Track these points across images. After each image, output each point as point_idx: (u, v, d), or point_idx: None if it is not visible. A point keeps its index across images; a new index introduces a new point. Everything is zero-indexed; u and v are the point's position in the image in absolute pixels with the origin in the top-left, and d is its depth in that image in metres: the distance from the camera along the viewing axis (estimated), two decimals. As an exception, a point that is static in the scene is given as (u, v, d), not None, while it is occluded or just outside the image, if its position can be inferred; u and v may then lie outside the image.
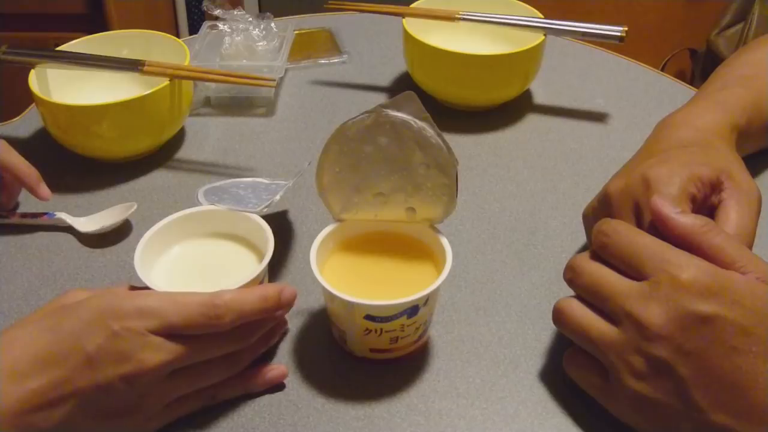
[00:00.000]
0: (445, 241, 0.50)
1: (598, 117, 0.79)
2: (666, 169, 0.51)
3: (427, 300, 0.47)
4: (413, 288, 0.46)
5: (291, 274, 0.59)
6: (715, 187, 0.50)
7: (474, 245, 0.62)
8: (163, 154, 0.72)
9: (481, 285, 0.58)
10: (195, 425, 0.47)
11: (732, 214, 0.49)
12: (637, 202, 0.50)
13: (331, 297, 0.47)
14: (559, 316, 0.47)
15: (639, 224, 0.49)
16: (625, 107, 0.80)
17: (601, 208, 0.53)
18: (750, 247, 0.48)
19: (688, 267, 0.42)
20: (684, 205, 0.49)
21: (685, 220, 0.45)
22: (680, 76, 1.63)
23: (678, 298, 0.41)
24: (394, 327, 0.47)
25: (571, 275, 0.47)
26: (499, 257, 0.61)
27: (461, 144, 0.74)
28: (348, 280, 0.50)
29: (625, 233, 0.45)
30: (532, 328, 0.54)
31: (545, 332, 0.54)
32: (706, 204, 0.51)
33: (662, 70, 1.14)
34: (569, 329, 0.46)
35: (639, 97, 0.82)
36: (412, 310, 0.47)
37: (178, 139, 0.74)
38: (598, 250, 0.46)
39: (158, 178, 0.69)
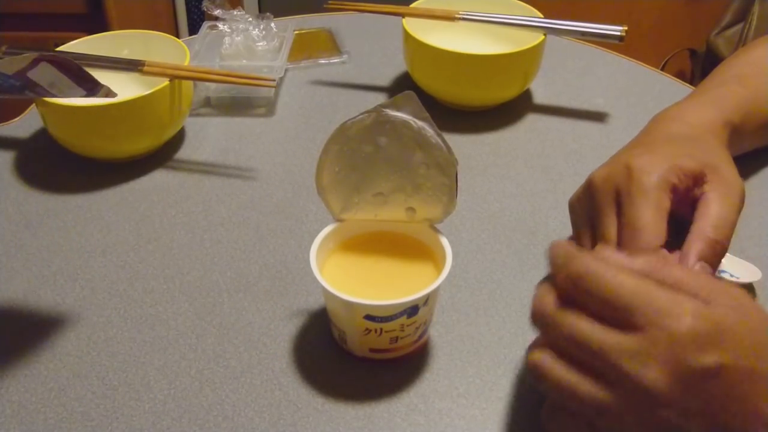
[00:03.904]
0: (445, 241, 0.50)
1: (598, 117, 0.79)
2: (648, 158, 0.51)
3: (427, 300, 0.47)
4: (413, 288, 0.46)
5: (291, 274, 0.59)
6: (698, 179, 0.51)
7: (474, 245, 0.62)
8: (163, 154, 0.72)
9: (481, 285, 0.58)
10: (194, 424, 0.47)
11: (712, 206, 0.49)
12: (619, 191, 0.50)
13: (331, 297, 0.47)
14: (535, 373, 0.41)
15: (619, 212, 0.50)
16: (625, 107, 0.80)
17: (586, 197, 0.54)
18: (729, 240, 0.49)
19: (684, 316, 0.37)
20: (664, 194, 0.49)
21: (640, 262, 0.41)
22: (680, 76, 1.63)
23: (680, 355, 0.37)
24: (394, 327, 0.47)
25: (543, 327, 0.41)
26: (499, 257, 0.61)
27: (461, 144, 0.74)
28: (348, 280, 0.49)
29: (602, 275, 0.39)
30: (532, 328, 0.54)
31: (545, 332, 0.54)
32: (688, 196, 0.51)
33: (662, 70, 1.14)
34: (550, 389, 0.40)
35: (639, 97, 0.82)
36: (412, 310, 0.47)
37: (178, 139, 0.74)
38: (575, 295, 0.40)
39: (158, 178, 0.69)
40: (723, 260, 0.57)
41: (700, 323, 0.37)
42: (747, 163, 0.69)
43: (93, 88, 0.49)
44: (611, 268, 0.39)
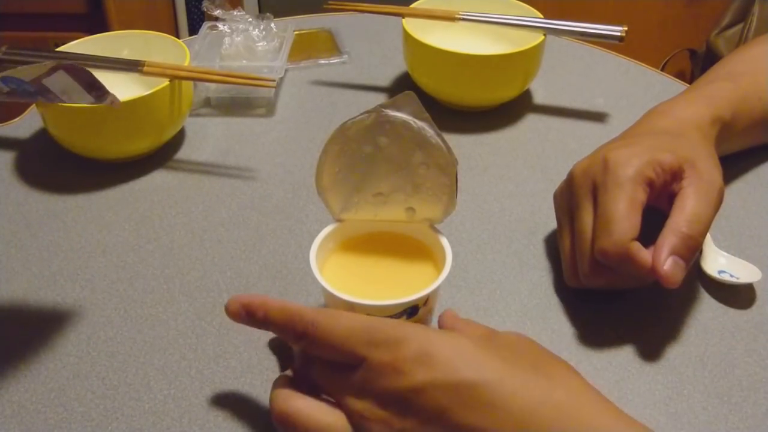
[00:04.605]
0: (445, 241, 0.50)
1: (598, 117, 0.79)
2: (626, 151, 0.52)
3: (427, 300, 0.47)
4: (413, 288, 0.46)
5: (291, 274, 0.59)
6: (677, 174, 0.51)
7: (474, 245, 0.62)
8: (163, 154, 0.72)
9: (481, 285, 0.58)
10: (194, 424, 0.47)
11: (688, 201, 0.50)
12: (595, 183, 0.51)
13: (331, 297, 0.47)
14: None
15: (595, 204, 0.51)
16: (625, 107, 0.80)
17: (567, 189, 0.55)
18: (703, 236, 0.49)
19: (391, 346, 0.40)
20: (639, 187, 0.50)
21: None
22: (680, 76, 1.63)
23: (390, 380, 0.39)
24: None
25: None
26: (499, 257, 0.61)
27: (461, 144, 0.74)
28: (348, 280, 0.49)
29: (324, 324, 0.41)
30: (532, 328, 0.54)
31: (545, 332, 0.54)
32: (667, 191, 0.52)
33: (662, 70, 1.14)
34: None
35: (639, 97, 0.82)
36: (412, 310, 0.47)
37: (178, 140, 0.74)
38: (310, 350, 0.43)
39: (158, 178, 0.69)
40: (723, 260, 0.58)
41: (410, 347, 0.39)
42: (746, 163, 0.70)
43: (101, 95, 0.50)
44: (329, 316, 0.41)
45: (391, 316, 0.46)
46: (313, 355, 0.43)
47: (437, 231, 0.51)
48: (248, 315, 0.44)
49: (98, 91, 0.50)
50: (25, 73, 0.46)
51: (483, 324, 0.48)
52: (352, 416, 0.40)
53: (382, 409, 0.39)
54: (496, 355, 0.40)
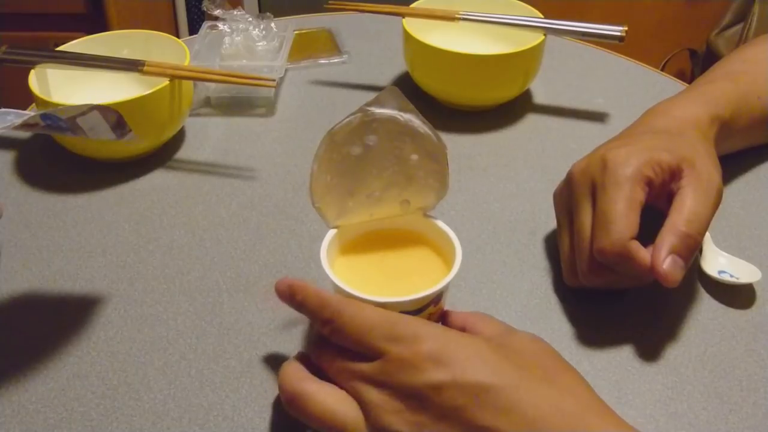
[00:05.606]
0: (441, 224, 0.49)
1: (598, 117, 0.79)
2: (625, 150, 0.52)
3: (447, 284, 0.46)
4: (426, 276, 0.46)
5: (291, 274, 0.59)
6: (675, 174, 0.51)
7: (474, 245, 0.62)
8: (163, 154, 0.72)
9: (481, 285, 0.58)
10: (194, 424, 0.47)
11: (687, 201, 0.50)
12: (594, 182, 0.52)
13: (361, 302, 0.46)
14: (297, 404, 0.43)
15: (594, 204, 0.51)
16: (625, 107, 0.80)
17: (566, 189, 0.55)
18: (702, 235, 0.49)
19: (412, 342, 0.41)
20: (638, 186, 0.50)
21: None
22: (680, 76, 1.63)
23: (408, 374, 0.40)
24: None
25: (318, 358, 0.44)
26: (499, 257, 0.61)
27: (461, 144, 0.74)
28: (358, 282, 0.48)
29: (349, 314, 0.43)
30: (532, 328, 0.54)
31: (545, 332, 0.54)
32: (665, 190, 0.52)
33: (662, 70, 1.14)
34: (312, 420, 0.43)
35: (639, 97, 0.82)
36: (437, 298, 0.46)
37: (178, 139, 0.74)
38: (332, 337, 0.44)
39: (158, 178, 0.69)
40: (723, 260, 0.58)
41: (429, 345, 0.40)
42: (746, 163, 0.70)
43: (124, 133, 0.53)
44: (355, 307, 0.43)
45: (422, 308, 0.46)
46: (333, 342, 0.44)
47: (431, 217, 0.50)
48: (290, 296, 0.45)
49: (122, 129, 0.52)
50: (64, 111, 0.49)
51: (498, 320, 0.48)
52: (365, 405, 0.41)
53: (398, 401, 0.40)
54: (511, 361, 0.41)
